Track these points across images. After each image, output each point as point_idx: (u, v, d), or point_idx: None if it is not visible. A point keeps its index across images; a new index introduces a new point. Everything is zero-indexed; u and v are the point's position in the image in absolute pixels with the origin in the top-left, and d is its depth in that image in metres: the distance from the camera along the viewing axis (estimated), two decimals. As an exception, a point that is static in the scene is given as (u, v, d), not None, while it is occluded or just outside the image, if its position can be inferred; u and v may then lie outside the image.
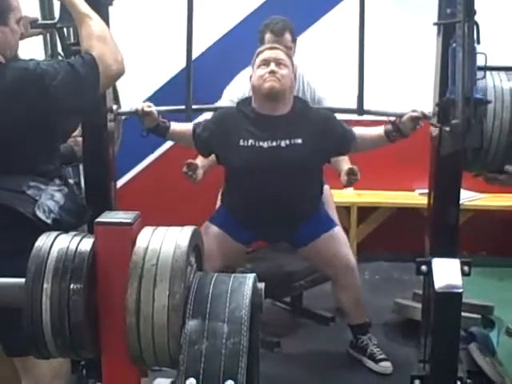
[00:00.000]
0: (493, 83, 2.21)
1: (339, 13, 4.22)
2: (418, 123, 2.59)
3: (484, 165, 2.30)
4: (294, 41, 3.22)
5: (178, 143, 2.99)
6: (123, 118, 2.78)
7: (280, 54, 2.82)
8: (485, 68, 2.09)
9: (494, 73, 2.24)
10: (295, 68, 3.14)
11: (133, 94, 4.02)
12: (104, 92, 2.18)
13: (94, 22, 2.00)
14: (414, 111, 2.58)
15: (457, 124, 1.98)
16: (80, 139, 2.44)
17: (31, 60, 1.95)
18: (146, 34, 4.24)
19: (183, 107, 2.65)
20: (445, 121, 2.15)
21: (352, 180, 2.94)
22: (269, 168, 2.75)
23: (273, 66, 2.76)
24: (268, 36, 3.15)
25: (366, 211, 4.40)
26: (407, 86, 4.20)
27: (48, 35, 2.68)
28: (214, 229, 2.94)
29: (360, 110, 2.60)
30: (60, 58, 2.55)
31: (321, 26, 4.28)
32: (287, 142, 2.77)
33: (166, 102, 2.78)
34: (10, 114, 1.88)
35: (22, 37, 2.05)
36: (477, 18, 1.98)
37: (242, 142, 2.78)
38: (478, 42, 2.01)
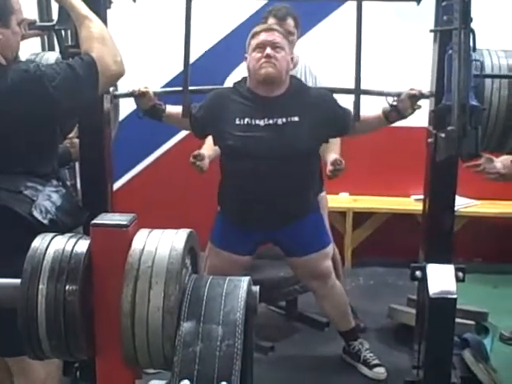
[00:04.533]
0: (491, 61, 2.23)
1: (336, 19, 4.24)
2: (416, 103, 2.54)
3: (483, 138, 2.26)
4: (296, 26, 3.14)
5: (175, 126, 2.92)
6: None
7: (276, 37, 2.73)
8: (481, 75, 2.11)
9: (492, 51, 2.25)
10: (297, 58, 3.11)
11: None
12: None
13: (94, 23, 2.01)
14: (412, 89, 2.54)
15: (452, 130, 1.99)
16: (76, 141, 2.45)
17: (32, 62, 1.96)
18: (144, 37, 4.26)
19: (180, 89, 2.60)
20: (440, 127, 2.16)
21: (337, 171, 2.87)
22: (266, 146, 2.67)
23: (269, 50, 2.68)
24: (271, 21, 3.09)
25: (361, 216, 4.41)
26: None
27: (46, 37, 2.69)
28: (219, 252, 2.88)
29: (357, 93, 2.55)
30: (57, 59, 2.57)
31: (318, 32, 4.29)
32: (284, 119, 2.69)
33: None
34: (9, 115, 1.89)
35: (21, 38, 2.06)
36: (473, 25, 1.99)
37: (237, 121, 2.70)
38: (474, 50, 2.02)
